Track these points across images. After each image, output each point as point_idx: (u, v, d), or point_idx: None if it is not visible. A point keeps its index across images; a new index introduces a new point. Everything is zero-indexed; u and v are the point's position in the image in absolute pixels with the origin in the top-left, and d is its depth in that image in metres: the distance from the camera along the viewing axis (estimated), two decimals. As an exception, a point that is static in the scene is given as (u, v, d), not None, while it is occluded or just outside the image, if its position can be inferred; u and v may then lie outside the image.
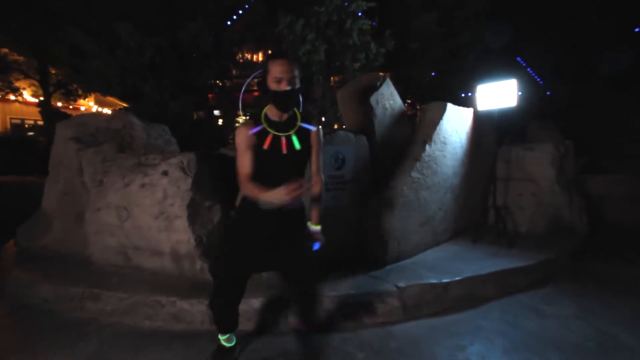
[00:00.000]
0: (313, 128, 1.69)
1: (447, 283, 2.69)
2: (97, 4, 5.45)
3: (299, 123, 1.67)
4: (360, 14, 4.97)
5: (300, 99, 1.68)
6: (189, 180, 2.55)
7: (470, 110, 3.99)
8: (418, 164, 3.22)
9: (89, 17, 5.51)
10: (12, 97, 15.13)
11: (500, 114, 3.84)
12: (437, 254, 3.47)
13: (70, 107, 16.96)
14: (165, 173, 2.57)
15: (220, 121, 12.87)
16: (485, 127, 4.36)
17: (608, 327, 2.40)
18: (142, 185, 2.65)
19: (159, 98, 4.95)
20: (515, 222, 4.28)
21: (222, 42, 5.72)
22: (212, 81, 5.98)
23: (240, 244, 1.74)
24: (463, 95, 7.51)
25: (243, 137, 1.62)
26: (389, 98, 3.24)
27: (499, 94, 3.73)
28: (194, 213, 2.64)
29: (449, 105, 3.55)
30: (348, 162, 2.95)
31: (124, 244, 2.92)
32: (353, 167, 2.98)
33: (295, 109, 1.70)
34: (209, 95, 6.83)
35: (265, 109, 1.67)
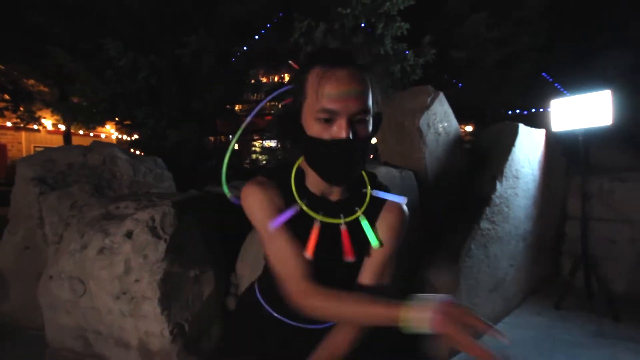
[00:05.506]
0: (401, 199, 0.82)
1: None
2: (85, 21, 5.00)
3: (370, 191, 0.82)
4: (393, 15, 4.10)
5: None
6: (162, 246, 1.75)
7: (542, 132, 3.08)
8: (487, 209, 2.31)
9: (76, 36, 5.06)
10: (35, 127, 15.35)
11: (585, 135, 2.91)
12: (514, 332, 2.48)
13: (91, 134, 17.09)
14: (128, 235, 1.79)
15: (236, 146, 12.28)
16: (556, 152, 3.42)
17: None
18: (101, 251, 1.88)
19: (156, 125, 4.32)
20: (607, 278, 3.22)
21: (228, 60, 5.06)
22: (221, 105, 5.31)
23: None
24: (510, 112, 6.53)
25: (262, 211, 0.77)
26: (442, 119, 2.40)
27: (585, 110, 2.82)
28: (170, 291, 1.82)
29: (522, 127, 2.66)
30: (391, 211, 2.08)
31: (82, 325, 2.12)
32: (398, 217, 2.10)
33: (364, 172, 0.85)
34: (217, 121, 6.17)
35: (295, 167, 0.82)
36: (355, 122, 0.69)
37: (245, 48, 5.68)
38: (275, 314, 0.86)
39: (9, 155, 16.92)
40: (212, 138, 6.08)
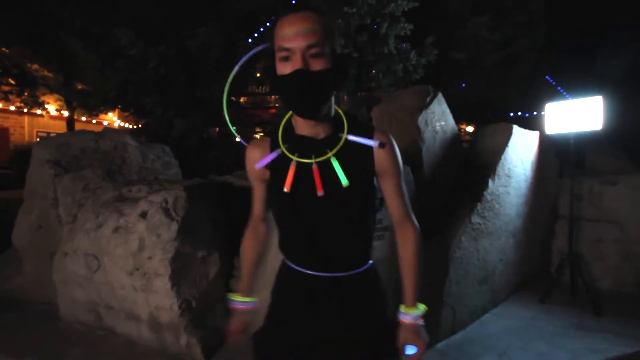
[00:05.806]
0: (373, 143, 0.87)
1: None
2: (98, 10, 5.09)
3: (345, 135, 0.89)
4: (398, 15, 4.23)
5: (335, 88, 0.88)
6: (174, 226, 1.88)
7: (536, 134, 3.20)
8: (479, 205, 2.44)
9: (89, 24, 5.15)
10: (38, 112, 15.39)
11: (577, 139, 3.03)
12: (499, 322, 2.63)
13: (94, 121, 17.13)
14: (143, 215, 1.92)
15: (237, 138, 12.39)
16: (550, 154, 3.55)
17: None
18: (116, 229, 2.01)
19: (163, 114, 4.45)
20: (593, 275, 3.36)
21: (235, 53, 5.16)
22: (227, 96, 5.38)
23: (273, 333, 0.98)
24: (512, 114, 6.64)
25: (248, 167, 0.96)
26: (440, 118, 2.52)
27: (577, 114, 2.94)
28: (180, 269, 1.96)
29: (515, 128, 2.78)
30: (388, 203, 2.21)
31: (94, 300, 2.27)
32: (394, 209, 2.24)
33: (340, 110, 0.92)
34: (222, 112, 6.25)
35: (286, 117, 0.95)
36: (310, 57, 0.78)
37: (249, 40, 5.78)
38: (291, 264, 0.95)
39: (12, 140, 16.96)
40: (217, 129, 6.22)
